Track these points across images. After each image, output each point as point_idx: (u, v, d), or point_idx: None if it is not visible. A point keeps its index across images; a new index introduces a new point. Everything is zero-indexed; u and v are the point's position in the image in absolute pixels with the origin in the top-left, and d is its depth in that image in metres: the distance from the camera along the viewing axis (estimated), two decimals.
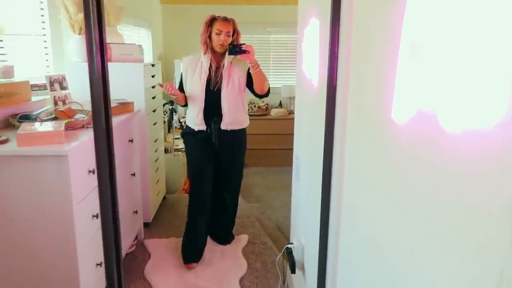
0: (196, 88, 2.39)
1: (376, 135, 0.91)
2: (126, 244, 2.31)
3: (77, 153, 1.68)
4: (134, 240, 2.52)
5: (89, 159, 1.80)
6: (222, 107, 2.38)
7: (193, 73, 2.41)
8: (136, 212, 2.40)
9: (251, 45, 2.23)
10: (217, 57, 2.42)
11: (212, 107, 2.39)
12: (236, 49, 2.17)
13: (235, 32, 2.41)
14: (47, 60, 2.72)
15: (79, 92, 2.58)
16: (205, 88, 2.37)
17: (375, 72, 0.92)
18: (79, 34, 2.57)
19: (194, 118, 2.43)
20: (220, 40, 2.33)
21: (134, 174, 2.32)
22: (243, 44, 2.19)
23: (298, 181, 1.90)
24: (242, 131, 2.55)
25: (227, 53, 2.29)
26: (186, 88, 2.45)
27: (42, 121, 1.92)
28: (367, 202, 0.98)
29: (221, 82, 2.37)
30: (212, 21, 2.38)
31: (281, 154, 4.88)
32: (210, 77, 2.40)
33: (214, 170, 2.53)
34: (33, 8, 2.55)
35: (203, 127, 2.42)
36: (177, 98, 2.43)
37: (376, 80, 0.91)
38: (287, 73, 5.20)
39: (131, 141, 2.28)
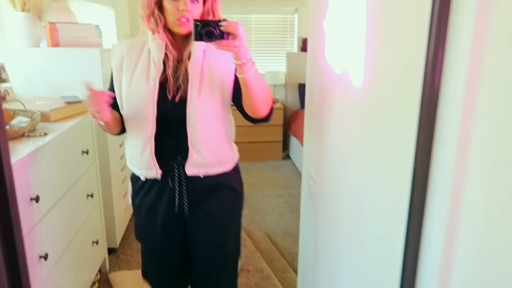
0: (139, 97, 1.22)
1: None
2: (84, 283, 1.82)
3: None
4: (96, 275, 2.02)
5: (31, 183, 1.30)
6: (188, 132, 1.23)
7: (133, 71, 1.25)
8: (96, 242, 1.90)
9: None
10: (178, 43, 1.25)
11: (170, 132, 1.25)
12: (208, 29, 1.03)
13: None
14: None
15: (24, 86, 2.04)
16: (157, 96, 1.22)
17: None
18: (22, 10, 2.00)
19: (138, 156, 1.27)
20: (178, 10, 1.17)
21: (91, 195, 1.82)
22: (222, 20, 1.04)
23: (313, 209, 1.43)
24: (232, 174, 1.35)
25: (192, 37, 1.08)
26: (121, 98, 1.27)
27: None
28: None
29: (186, 86, 1.22)
30: None
31: (266, 148, 4.46)
32: (166, 76, 1.24)
33: (184, 259, 1.42)
34: None
35: (154, 172, 1.26)
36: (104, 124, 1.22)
37: None
38: (271, 57, 4.73)
39: (86, 152, 1.76)
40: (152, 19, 1.21)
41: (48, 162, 1.44)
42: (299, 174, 4.04)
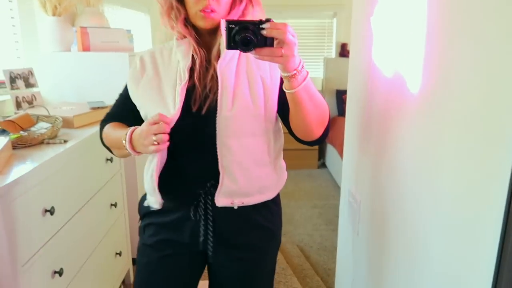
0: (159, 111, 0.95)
1: None
2: None
3: (24, 187, 1.11)
4: (120, 286, 1.95)
5: (46, 193, 1.23)
6: (219, 153, 0.99)
7: (155, 80, 1.04)
8: (119, 253, 1.83)
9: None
10: (203, 40, 1.03)
11: (194, 153, 1.03)
12: (245, 35, 0.77)
13: None
14: (17, 50, 2.15)
15: (52, 91, 2.02)
16: (182, 109, 0.98)
17: None
18: (53, 15, 1.99)
19: (152, 182, 1.04)
20: (202, 1, 0.95)
21: (115, 204, 1.75)
22: (265, 21, 0.77)
23: (353, 229, 1.26)
24: (272, 205, 1.12)
25: (223, 26, 0.81)
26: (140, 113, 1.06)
27: None
28: None
29: (215, 95, 0.99)
30: None
31: (300, 155, 4.30)
32: (193, 83, 1.01)
33: None
34: None
35: (154, 200, 1.06)
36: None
37: None
38: (308, 64, 4.59)
39: (110, 160, 1.70)
40: (172, 14, 0.99)
41: (67, 171, 1.37)
42: (335, 184, 3.85)
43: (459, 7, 0.70)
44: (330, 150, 4.14)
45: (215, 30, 1.00)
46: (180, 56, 1.01)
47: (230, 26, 0.78)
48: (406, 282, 0.91)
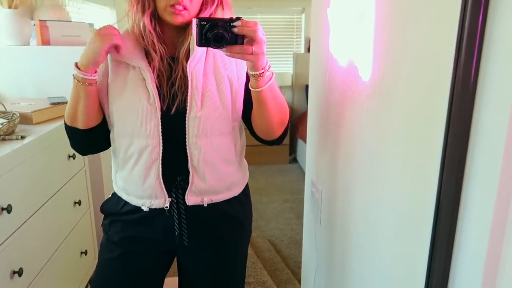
0: (138, 111, 0.97)
1: None
2: None
3: None
4: (86, 286, 1.90)
5: (3, 191, 1.19)
6: (189, 152, 0.99)
7: (124, 77, 1.00)
8: (85, 252, 1.79)
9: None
10: (170, 35, 1.01)
11: (167, 152, 1.01)
12: (217, 31, 0.80)
13: None
14: None
15: (10, 86, 1.94)
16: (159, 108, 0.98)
17: None
18: (9, 7, 1.91)
19: (138, 184, 1.02)
20: None
21: (79, 202, 1.70)
22: (236, 19, 0.81)
23: (316, 218, 1.29)
24: (241, 201, 1.13)
25: (195, 24, 0.84)
26: (108, 112, 1.02)
27: None
28: None
29: (185, 94, 0.98)
30: None
31: (271, 151, 4.32)
32: (160, 83, 0.99)
33: None
34: None
35: (162, 201, 1.03)
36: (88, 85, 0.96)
37: None
38: (278, 59, 4.61)
39: (73, 156, 1.65)
40: (140, 4, 0.95)
41: (25, 168, 1.33)
42: None
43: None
44: (301, 145, 4.18)
45: (182, 28, 0.98)
46: (130, 51, 0.97)
47: (201, 23, 0.79)
48: (365, 267, 0.94)
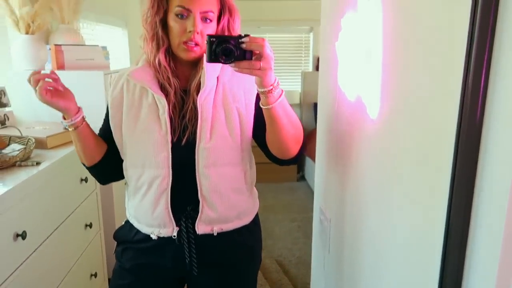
0: (150, 142, 1.02)
1: None
2: None
3: None
4: None
5: (18, 217, 1.22)
6: (198, 182, 1.02)
7: (138, 109, 1.04)
8: (94, 275, 1.81)
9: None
10: (184, 70, 1.06)
11: (175, 183, 1.03)
12: (225, 46, 0.81)
13: (226, 9, 1.03)
14: None
15: (26, 110, 1.99)
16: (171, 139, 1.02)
17: None
18: (26, 33, 1.97)
19: (148, 212, 1.05)
20: (185, 31, 0.98)
21: (90, 225, 1.73)
22: (244, 36, 0.82)
23: (324, 246, 1.29)
24: (251, 229, 1.15)
25: (204, 59, 0.95)
26: (121, 143, 1.07)
27: None
28: None
29: (195, 126, 1.01)
30: None
31: (279, 168, 4.30)
32: (173, 115, 1.03)
33: None
34: None
35: (170, 230, 1.05)
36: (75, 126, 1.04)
37: None
38: (286, 77, 4.66)
39: (85, 180, 1.68)
40: (155, 41, 1.01)
41: (40, 193, 1.36)
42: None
43: (410, 39, 0.75)
44: (309, 162, 4.18)
45: (196, 62, 1.03)
46: (146, 85, 1.02)
47: (211, 39, 0.82)
48: None
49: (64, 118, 1.03)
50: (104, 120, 1.14)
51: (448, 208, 0.63)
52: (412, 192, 0.76)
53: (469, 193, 0.60)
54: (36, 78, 0.97)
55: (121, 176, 1.13)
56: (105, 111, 1.14)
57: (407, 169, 0.77)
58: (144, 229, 1.08)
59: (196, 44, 0.98)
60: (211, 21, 0.99)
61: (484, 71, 0.57)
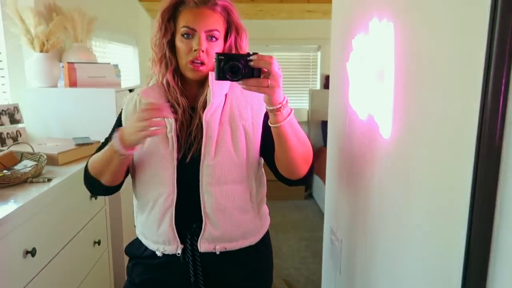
0: (157, 159, 1.03)
1: None
2: None
3: (6, 228, 1.10)
4: None
5: (28, 234, 1.22)
6: (202, 200, 1.03)
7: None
8: None
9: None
10: (192, 89, 1.07)
11: (182, 199, 1.04)
12: (233, 63, 0.82)
13: (232, 28, 1.04)
14: (3, 85, 2.16)
15: (38, 126, 2.01)
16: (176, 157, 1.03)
17: None
18: (40, 51, 2.01)
19: (153, 229, 1.06)
20: (191, 50, 1.00)
21: (99, 242, 1.72)
22: (252, 54, 0.83)
23: (335, 267, 1.27)
24: (259, 249, 1.13)
25: (210, 77, 0.99)
26: (134, 158, 1.08)
27: None
28: None
29: (199, 144, 1.02)
30: (175, 7, 1.02)
31: (287, 186, 4.29)
32: (180, 133, 1.04)
33: None
34: None
35: (175, 247, 1.05)
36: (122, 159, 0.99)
37: None
38: (294, 95, 4.68)
39: (95, 196, 1.69)
40: (163, 62, 1.03)
41: (50, 210, 1.36)
42: (322, 215, 3.84)
43: (423, 60, 0.75)
44: (317, 180, 4.16)
45: (203, 81, 1.04)
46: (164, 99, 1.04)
47: (219, 57, 0.82)
48: None
49: (121, 143, 0.95)
50: (110, 134, 1.13)
51: (468, 230, 0.62)
52: (429, 214, 0.75)
53: (490, 214, 0.59)
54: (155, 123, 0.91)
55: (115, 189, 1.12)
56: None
57: (423, 190, 0.76)
58: (150, 245, 1.09)
59: (202, 63, 0.99)
60: (217, 39, 1.00)
61: (503, 88, 0.57)
